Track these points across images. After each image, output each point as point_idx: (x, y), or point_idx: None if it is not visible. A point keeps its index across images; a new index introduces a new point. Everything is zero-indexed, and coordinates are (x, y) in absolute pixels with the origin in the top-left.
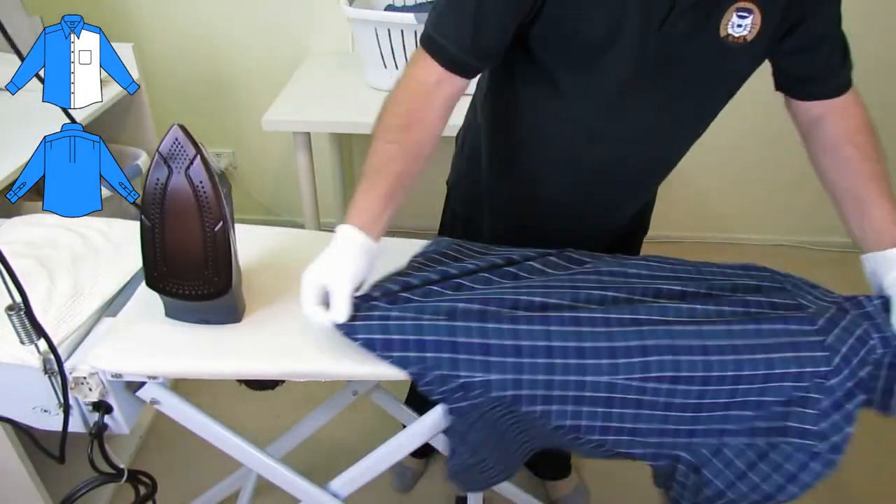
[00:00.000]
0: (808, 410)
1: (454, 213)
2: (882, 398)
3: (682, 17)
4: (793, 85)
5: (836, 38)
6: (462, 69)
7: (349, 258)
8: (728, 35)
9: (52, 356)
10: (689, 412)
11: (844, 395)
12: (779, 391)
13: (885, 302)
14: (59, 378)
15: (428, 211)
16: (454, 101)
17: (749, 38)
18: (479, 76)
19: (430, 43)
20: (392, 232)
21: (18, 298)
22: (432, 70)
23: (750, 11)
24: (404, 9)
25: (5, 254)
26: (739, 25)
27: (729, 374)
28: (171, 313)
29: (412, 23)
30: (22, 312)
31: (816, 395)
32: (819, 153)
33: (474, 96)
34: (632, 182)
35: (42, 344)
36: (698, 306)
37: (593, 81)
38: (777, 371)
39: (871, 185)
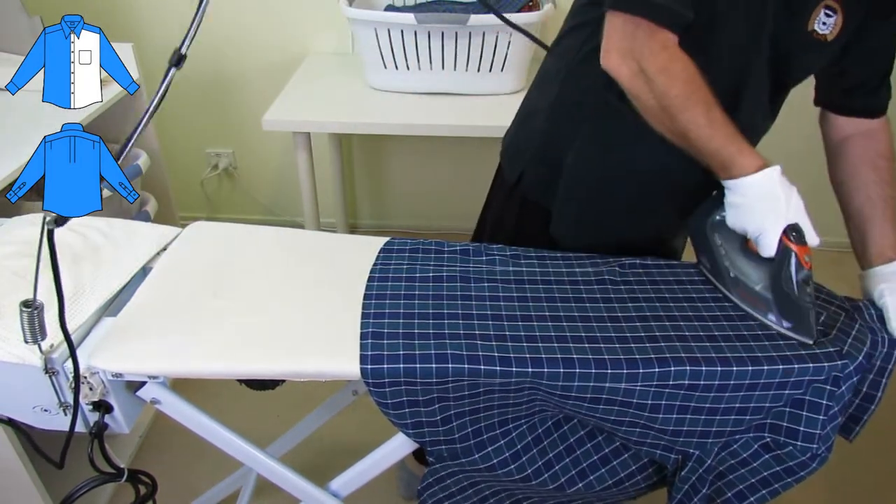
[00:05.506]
0: (819, 417)
1: (524, 202)
2: (846, 422)
3: (785, 4)
4: (836, 97)
5: (888, 61)
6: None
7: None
8: (813, 31)
9: (53, 356)
10: (703, 415)
11: (847, 403)
12: (790, 398)
13: (881, 315)
14: (59, 378)
15: (460, 212)
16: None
17: (829, 38)
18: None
19: (660, 12)
20: (423, 233)
21: (40, 299)
22: (671, 38)
23: (835, 11)
24: (404, 9)
25: (6, 254)
26: (824, 23)
27: (746, 382)
28: None
29: (412, 23)
30: (35, 312)
31: (829, 403)
32: (841, 170)
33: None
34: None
35: (44, 344)
36: (712, 324)
37: (711, 54)
38: (793, 379)
39: (880, 206)
